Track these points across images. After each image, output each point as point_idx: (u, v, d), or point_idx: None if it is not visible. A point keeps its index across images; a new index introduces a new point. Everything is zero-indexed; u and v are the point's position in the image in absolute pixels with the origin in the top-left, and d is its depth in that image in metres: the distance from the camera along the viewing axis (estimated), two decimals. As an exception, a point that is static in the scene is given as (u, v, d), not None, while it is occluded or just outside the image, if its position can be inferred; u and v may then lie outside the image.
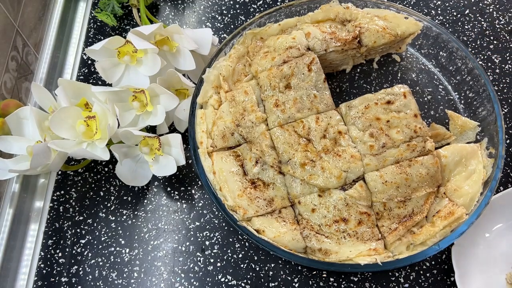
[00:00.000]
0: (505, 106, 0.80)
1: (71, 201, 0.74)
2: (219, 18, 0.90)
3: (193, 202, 0.74)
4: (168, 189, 0.75)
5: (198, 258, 0.70)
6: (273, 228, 0.64)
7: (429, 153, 0.67)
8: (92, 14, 0.91)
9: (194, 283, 0.68)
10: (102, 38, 0.89)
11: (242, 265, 0.69)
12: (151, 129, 0.78)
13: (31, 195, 0.76)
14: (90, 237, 0.72)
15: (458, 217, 0.64)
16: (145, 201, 0.74)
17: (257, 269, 0.69)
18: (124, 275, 0.69)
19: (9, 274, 0.70)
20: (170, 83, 0.75)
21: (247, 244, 0.71)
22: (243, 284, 0.68)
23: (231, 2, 0.92)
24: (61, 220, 0.73)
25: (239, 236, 0.71)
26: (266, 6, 0.91)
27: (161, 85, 0.71)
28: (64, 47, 0.90)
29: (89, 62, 0.87)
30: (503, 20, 0.88)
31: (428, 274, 0.68)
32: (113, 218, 0.73)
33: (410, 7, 0.89)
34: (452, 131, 0.74)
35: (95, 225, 0.73)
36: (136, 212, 0.73)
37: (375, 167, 0.66)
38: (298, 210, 0.67)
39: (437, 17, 0.88)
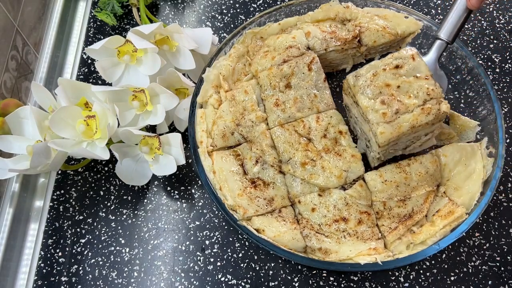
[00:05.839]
0: (505, 106, 0.80)
1: (71, 200, 0.74)
2: (219, 17, 0.90)
3: (193, 202, 0.74)
4: (168, 188, 0.75)
5: (198, 258, 0.70)
6: (273, 227, 0.64)
7: (432, 145, 0.66)
8: (92, 14, 0.91)
9: (194, 282, 0.68)
10: (102, 37, 0.89)
11: (242, 265, 0.69)
12: (151, 128, 0.78)
13: (31, 194, 0.76)
14: (90, 237, 0.72)
15: (458, 217, 0.64)
16: (145, 200, 0.74)
17: (257, 268, 0.69)
18: (124, 275, 0.69)
19: (9, 274, 0.70)
20: (170, 83, 0.75)
21: (247, 243, 0.70)
22: (243, 284, 0.68)
23: (231, 2, 0.92)
24: (61, 220, 0.73)
25: (239, 236, 0.71)
26: (266, 5, 0.91)
27: (161, 84, 0.71)
28: (64, 47, 0.90)
29: (89, 61, 0.87)
30: (503, 19, 0.88)
31: (428, 274, 0.68)
32: (113, 217, 0.73)
33: (410, 6, 0.89)
34: (453, 130, 0.74)
35: (95, 224, 0.73)
36: (136, 212, 0.73)
37: (390, 134, 0.63)
38: (298, 210, 0.67)
39: (437, 16, 0.88)
